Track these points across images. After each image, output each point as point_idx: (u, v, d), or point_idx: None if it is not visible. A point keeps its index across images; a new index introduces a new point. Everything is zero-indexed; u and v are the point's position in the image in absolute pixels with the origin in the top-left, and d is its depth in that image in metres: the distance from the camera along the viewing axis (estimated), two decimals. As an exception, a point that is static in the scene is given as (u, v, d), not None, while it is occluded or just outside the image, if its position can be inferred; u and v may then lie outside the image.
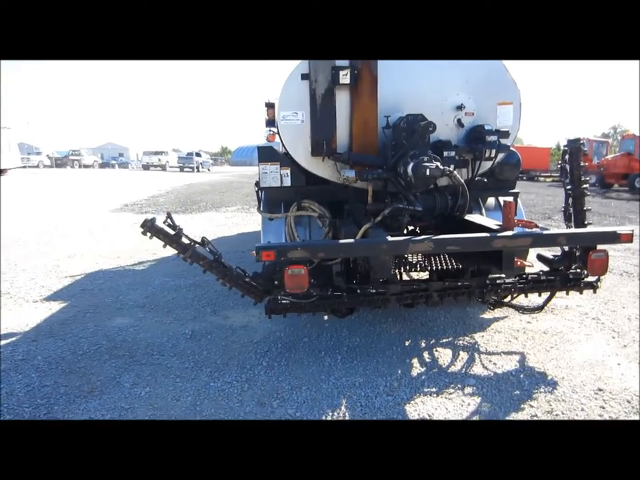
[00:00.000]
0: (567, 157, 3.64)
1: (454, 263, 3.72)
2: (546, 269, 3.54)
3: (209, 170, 39.86)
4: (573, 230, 3.47)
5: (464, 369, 3.26)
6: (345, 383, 3.06)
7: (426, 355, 3.49)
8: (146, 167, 38.52)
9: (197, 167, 37.79)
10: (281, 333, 3.88)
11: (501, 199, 4.16)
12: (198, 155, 40.08)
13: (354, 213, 3.72)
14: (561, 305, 4.48)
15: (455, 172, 3.35)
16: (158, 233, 2.72)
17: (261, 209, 4.08)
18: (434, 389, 3.00)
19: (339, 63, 3.39)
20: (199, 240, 2.91)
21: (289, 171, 3.83)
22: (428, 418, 2.69)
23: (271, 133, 5.30)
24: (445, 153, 3.47)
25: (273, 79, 4.25)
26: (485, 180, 3.81)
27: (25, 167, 29.34)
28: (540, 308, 4.02)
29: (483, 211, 4.12)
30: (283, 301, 3.09)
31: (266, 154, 3.88)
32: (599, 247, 3.13)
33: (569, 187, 3.62)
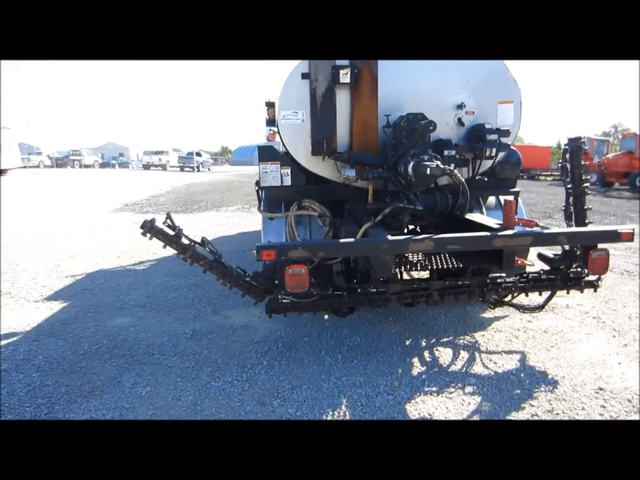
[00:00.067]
0: (567, 155, 3.64)
1: (454, 262, 3.72)
2: (547, 267, 3.54)
3: (209, 169, 39.85)
4: (574, 229, 3.47)
5: (464, 368, 3.26)
6: (346, 382, 3.06)
7: (426, 354, 3.49)
8: (146, 167, 38.54)
9: (198, 167, 37.79)
10: (282, 332, 3.88)
11: (502, 197, 4.16)
12: (198, 154, 40.08)
13: (354, 212, 3.72)
14: (561, 304, 4.48)
15: (456, 171, 3.34)
16: (158, 233, 2.72)
17: (262, 208, 4.08)
18: (434, 388, 3.00)
19: (339, 62, 3.39)
20: (198, 240, 2.91)
21: (289, 171, 3.83)
22: (428, 417, 2.69)
23: (271, 132, 5.29)
24: (446, 152, 3.46)
25: (273, 78, 4.25)
26: (486, 179, 3.81)
27: (25, 167, 29.37)
28: (540, 307, 4.02)
29: (484, 209, 4.12)
30: (284, 301, 3.09)
31: (266, 153, 3.88)
32: (600, 245, 3.13)
33: (569, 186, 3.62)
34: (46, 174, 25.66)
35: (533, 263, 3.67)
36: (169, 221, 2.73)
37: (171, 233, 2.77)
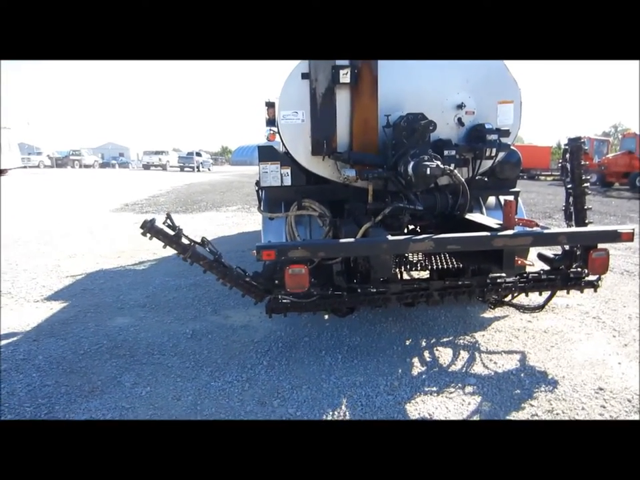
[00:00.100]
0: (567, 155, 3.64)
1: (454, 262, 3.72)
2: (547, 267, 3.54)
3: (209, 169, 39.85)
4: (574, 229, 3.47)
5: (464, 368, 3.26)
6: (346, 382, 3.06)
7: (426, 354, 3.49)
8: (146, 167, 38.54)
9: (198, 167, 37.79)
10: (282, 332, 3.88)
11: (502, 197, 4.16)
12: (198, 154, 40.07)
13: (354, 212, 3.72)
14: (561, 304, 4.48)
15: (456, 171, 3.34)
16: (158, 233, 2.72)
17: (262, 208, 4.08)
18: (434, 388, 3.00)
19: (339, 62, 3.39)
20: (198, 240, 2.92)
21: (289, 170, 3.83)
22: (428, 417, 2.69)
23: (271, 132, 5.29)
24: (446, 152, 3.46)
25: (273, 78, 4.25)
26: (486, 179, 3.81)
27: (25, 167, 29.38)
28: (541, 307, 4.02)
29: (484, 209, 4.12)
30: (284, 301, 3.09)
31: (266, 153, 3.88)
32: (600, 245, 3.13)
33: (569, 186, 3.62)
34: (46, 174, 25.66)
35: (533, 263, 3.67)
36: (168, 221, 2.74)
37: (171, 233, 2.77)
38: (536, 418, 2.66)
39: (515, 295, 3.89)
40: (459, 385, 3.04)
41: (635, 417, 2.67)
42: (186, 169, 37.50)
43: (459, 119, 3.69)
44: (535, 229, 3.25)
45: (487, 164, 3.75)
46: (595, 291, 3.48)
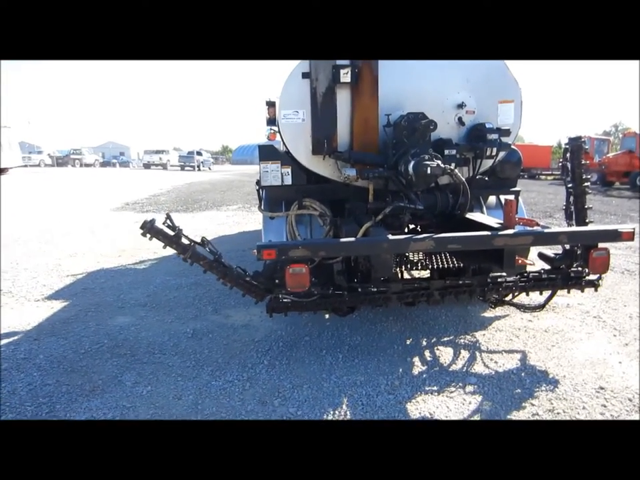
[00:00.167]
0: (568, 155, 3.64)
1: (455, 262, 3.72)
2: (547, 267, 3.54)
3: (209, 169, 39.84)
4: (574, 228, 3.47)
5: (465, 368, 3.27)
6: (346, 382, 3.06)
7: (427, 353, 3.49)
8: (147, 166, 38.52)
9: (198, 166, 37.78)
10: (282, 331, 3.88)
11: (502, 197, 4.15)
12: (199, 153, 40.06)
13: (355, 212, 3.72)
14: (562, 304, 4.47)
15: (456, 170, 3.34)
16: (157, 234, 2.72)
17: (262, 207, 4.08)
18: (435, 388, 3.00)
19: (339, 61, 3.39)
20: (198, 240, 2.92)
21: (289, 170, 3.83)
22: (429, 417, 2.69)
23: (272, 131, 5.29)
24: (446, 152, 3.46)
25: (274, 78, 4.25)
26: (486, 178, 3.81)
27: (26, 165, 29.39)
28: (541, 306, 4.02)
29: (484, 209, 4.11)
30: (284, 300, 3.10)
31: (267, 153, 3.88)
32: (600, 245, 3.12)
33: (570, 185, 3.62)
34: (46, 173, 25.66)
35: (534, 262, 3.67)
36: (168, 221, 2.74)
37: (171, 233, 2.77)
38: (537, 417, 2.66)
39: (516, 294, 3.89)
40: (460, 384, 3.04)
41: (636, 416, 2.67)
42: (186, 168, 37.49)
43: (460, 119, 3.69)
44: (535, 228, 3.26)
45: (487, 163, 3.75)
46: (596, 290, 3.48)
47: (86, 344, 3.66)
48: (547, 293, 3.73)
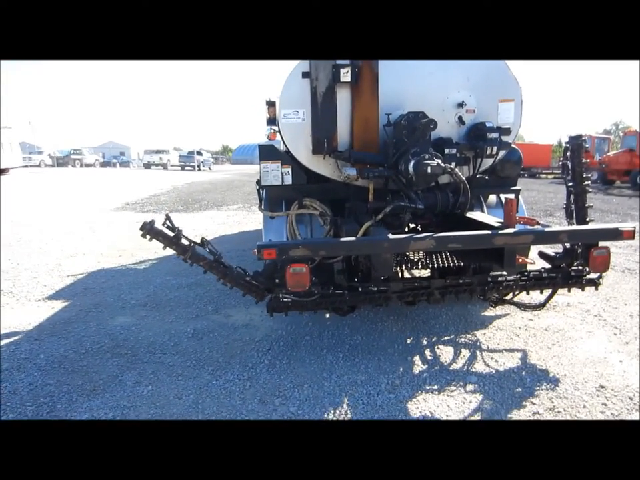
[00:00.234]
0: (568, 153, 3.63)
1: (455, 261, 3.72)
2: (547, 266, 3.53)
3: (210, 168, 39.85)
4: (575, 227, 3.47)
5: (466, 367, 3.27)
6: (347, 381, 3.06)
7: (427, 352, 3.49)
8: (147, 166, 38.53)
9: (198, 166, 37.78)
10: (283, 331, 3.88)
11: (502, 196, 4.16)
12: (199, 153, 40.06)
13: (355, 211, 3.72)
14: (562, 302, 4.47)
15: (456, 169, 3.34)
16: (157, 235, 2.72)
17: (262, 207, 4.08)
18: (436, 387, 3.00)
19: (339, 61, 3.39)
20: (198, 240, 2.92)
21: (290, 169, 3.83)
22: (430, 416, 2.69)
23: (272, 131, 5.29)
24: (446, 151, 3.46)
25: (274, 77, 4.25)
26: (486, 177, 3.81)
27: (26, 166, 29.39)
28: (542, 305, 4.01)
29: (484, 208, 4.11)
30: (285, 299, 3.10)
31: (267, 152, 3.88)
32: (601, 243, 3.13)
33: (570, 184, 3.61)
34: (47, 173, 25.67)
35: (534, 261, 3.67)
36: (168, 222, 2.74)
37: (171, 234, 2.77)
38: (537, 416, 2.66)
39: (516, 293, 3.89)
40: (460, 383, 3.04)
41: (636, 415, 2.67)
42: (187, 168, 37.50)
43: (460, 118, 3.69)
44: (535, 227, 3.26)
45: (487, 162, 3.75)
46: (596, 289, 3.48)
47: (87, 344, 3.66)
48: (547, 292, 3.73)
